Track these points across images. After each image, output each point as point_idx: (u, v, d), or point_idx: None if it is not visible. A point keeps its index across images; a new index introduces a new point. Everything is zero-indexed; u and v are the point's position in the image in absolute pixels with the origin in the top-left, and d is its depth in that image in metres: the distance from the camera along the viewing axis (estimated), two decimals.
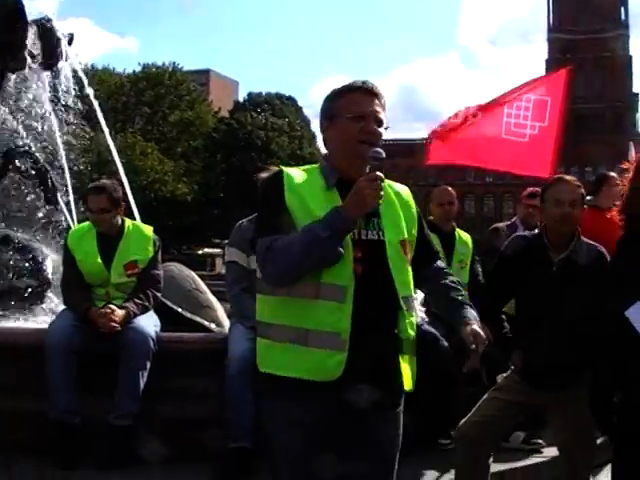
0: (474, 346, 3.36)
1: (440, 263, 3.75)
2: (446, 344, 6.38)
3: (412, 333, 3.45)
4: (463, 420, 5.10)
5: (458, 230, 7.33)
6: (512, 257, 5.14)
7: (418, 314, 6.41)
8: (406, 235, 3.48)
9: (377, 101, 3.44)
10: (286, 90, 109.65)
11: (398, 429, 3.52)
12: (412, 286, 3.50)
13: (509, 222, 8.61)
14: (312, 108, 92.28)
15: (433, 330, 6.41)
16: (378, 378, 3.33)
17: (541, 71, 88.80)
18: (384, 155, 3.29)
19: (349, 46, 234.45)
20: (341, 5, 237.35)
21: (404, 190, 3.63)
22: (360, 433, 3.41)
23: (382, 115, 3.43)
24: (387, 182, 3.49)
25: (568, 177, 5.24)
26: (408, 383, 3.44)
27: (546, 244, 5.00)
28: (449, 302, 3.62)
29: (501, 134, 8.97)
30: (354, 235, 3.31)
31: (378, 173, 3.22)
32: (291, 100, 77.77)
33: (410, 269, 3.48)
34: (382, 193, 3.24)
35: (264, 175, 5.61)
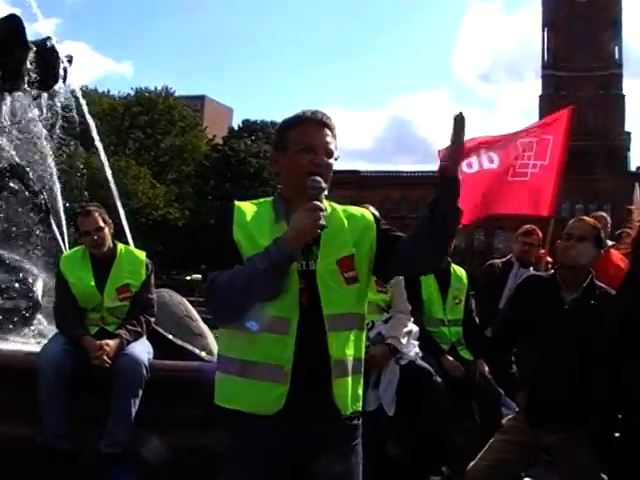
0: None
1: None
2: (439, 379, 6.35)
3: (344, 353, 3.32)
4: (472, 463, 5.05)
5: (453, 266, 7.29)
6: (525, 296, 5.12)
7: (414, 349, 6.45)
8: (352, 250, 3.37)
9: (327, 131, 3.40)
10: (281, 118, 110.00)
11: (351, 463, 3.38)
12: (349, 304, 3.35)
13: (505, 259, 8.60)
14: None
15: (427, 365, 6.38)
16: (321, 410, 3.25)
17: (534, 106, 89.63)
18: (323, 184, 3.25)
19: (345, 77, 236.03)
20: (339, 37, 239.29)
21: (361, 211, 3.55)
22: (311, 468, 3.29)
23: (332, 146, 3.39)
24: (341, 207, 3.50)
25: (587, 217, 5.29)
26: (344, 407, 3.30)
27: (559, 283, 4.98)
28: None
29: (508, 177, 8.93)
30: (301, 266, 3.28)
31: (316, 203, 3.18)
32: None
33: (352, 288, 3.36)
34: (322, 222, 3.17)
35: None
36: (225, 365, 3.36)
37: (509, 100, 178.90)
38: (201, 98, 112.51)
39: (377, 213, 6.43)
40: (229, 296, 3.20)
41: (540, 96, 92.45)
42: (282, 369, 3.20)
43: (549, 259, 8.30)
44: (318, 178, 3.25)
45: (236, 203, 3.43)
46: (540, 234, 8.47)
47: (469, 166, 9.21)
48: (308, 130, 3.39)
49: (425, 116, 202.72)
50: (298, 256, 3.23)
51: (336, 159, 3.43)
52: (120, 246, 6.22)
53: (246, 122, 79.24)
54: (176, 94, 75.76)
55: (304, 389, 3.20)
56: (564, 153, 8.79)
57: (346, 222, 3.44)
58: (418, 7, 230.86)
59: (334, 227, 3.35)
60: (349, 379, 3.35)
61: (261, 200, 3.52)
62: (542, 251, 8.44)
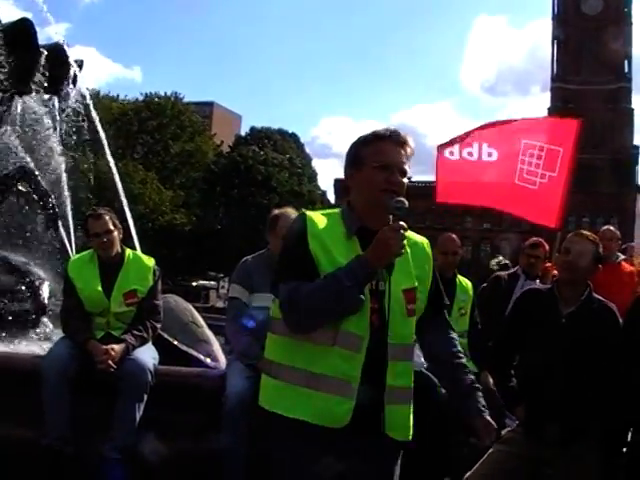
0: (486, 441, 3.49)
1: (445, 316, 3.78)
2: (444, 391, 6.34)
3: (400, 382, 3.41)
4: (469, 473, 5.05)
5: (459, 277, 7.27)
6: (524, 309, 5.15)
7: (419, 359, 6.43)
8: (415, 284, 3.46)
9: (403, 151, 3.43)
10: (289, 126, 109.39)
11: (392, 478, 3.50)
12: (409, 336, 3.47)
13: (511, 271, 8.59)
14: (312, 146, 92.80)
15: (432, 376, 6.37)
16: (373, 430, 3.31)
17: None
18: (407, 205, 3.28)
19: (352, 87, 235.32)
20: (347, 46, 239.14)
21: (422, 241, 3.63)
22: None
23: (407, 166, 3.43)
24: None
25: (586, 232, 5.29)
26: (395, 433, 3.39)
27: (557, 297, 4.99)
28: (458, 381, 3.63)
29: (514, 180, 9.02)
30: (371, 286, 3.32)
31: (402, 223, 3.21)
32: (293, 137, 77.79)
33: (412, 319, 3.46)
34: (404, 243, 3.23)
35: (276, 213, 5.68)
36: (287, 374, 3.37)
37: (515, 113, 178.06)
38: (210, 104, 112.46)
39: None
40: (312, 309, 3.25)
41: (549, 109, 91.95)
42: (350, 385, 3.25)
43: (556, 272, 8.31)
44: (402, 199, 3.28)
45: (307, 213, 3.46)
46: (547, 247, 8.48)
47: (470, 155, 9.36)
48: (385, 148, 3.42)
49: (432, 126, 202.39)
50: (376, 274, 3.29)
51: (409, 179, 3.47)
52: (128, 251, 6.22)
53: (253, 129, 79.01)
54: (185, 100, 75.75)
55: (362, 408, 3.25)
56: (573, 166, 8.84)
57: (411, 252, 3.49)
58: (426, 17, 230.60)
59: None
60: (401, 407, 3.43)
61: (329, 211, 3.55)
62: (549, 264, 8.43)
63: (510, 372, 5.19)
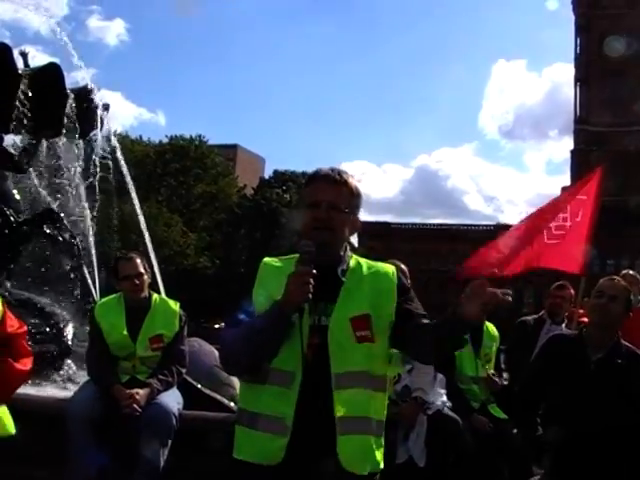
0: None
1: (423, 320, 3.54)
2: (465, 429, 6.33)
3: (352, 411, 3.33)
4: None
5: (487, 324, 7.25)
6: (550, 355, 5.10)
7: (440, 398, 6.43)
8: (367, 310, 3.40)
9: (335, 187, 3.46)
10: (311, 170, 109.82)
11: None
12: (356, 362, 3.35)
13: (537, 315, 8.54)
14: None
15: (453, 415, 6.37)
16: (325, 465, 3.28)
17: (559, 163, 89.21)
18: (313, 249, 3.29)
19: (374, 132, 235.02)
20: (370, 92, 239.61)
21: (386, 269, 3.58)
22: None
23: (340, 201, 3.45)
24: (367, 263, 3.55)
25: (619, 278, 5.26)
26: (350, 465, 3.30)
27: (585, 342, 4.94)
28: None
29: (544, 239, 8.98)
30: (314, 321, 3.35)
31: (304, 268, 3.24)
32: None
33: (362, 346, 3.37)
34: (310, 288, 3.21)
35: None
36: (238, 415, 3.49)
37: (534, 157, 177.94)
38: (233, 147, 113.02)
39: (406, 269, 6.43)
40: (232, 351, 3.38)
41: (572, 151, 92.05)
42: (283, 421, 3.26)
43: (585, 319, 8.24)
44: (308, 242, 3.33)
45: (264, 260, 3.58)
46: (572, 290, 8.43)
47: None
48: (315, 187, 3.51)
49: (453, 170, 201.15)
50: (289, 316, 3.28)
51: (351, 212, 3.49)
52: (155, 296, 6.24)
53: (276, 172, 79.54)
54: (209, 142, 76.31)
55: (306, 443, 3.25)
56: (596, 212, 8.79)
57: (368, 280, 3.49)
58: (445, 63, 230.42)
59: (353, 284, 3.43)
60: (359, 438, 3.35)
61: (291, 256, 3.54)
62: (581, 310, 8.33)
63: (535, 419, 5.14)
